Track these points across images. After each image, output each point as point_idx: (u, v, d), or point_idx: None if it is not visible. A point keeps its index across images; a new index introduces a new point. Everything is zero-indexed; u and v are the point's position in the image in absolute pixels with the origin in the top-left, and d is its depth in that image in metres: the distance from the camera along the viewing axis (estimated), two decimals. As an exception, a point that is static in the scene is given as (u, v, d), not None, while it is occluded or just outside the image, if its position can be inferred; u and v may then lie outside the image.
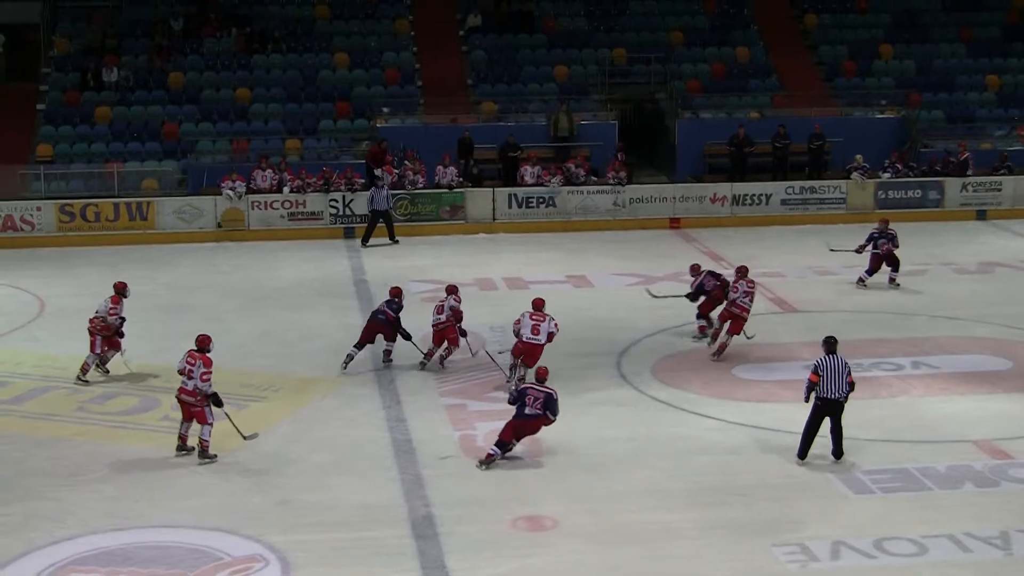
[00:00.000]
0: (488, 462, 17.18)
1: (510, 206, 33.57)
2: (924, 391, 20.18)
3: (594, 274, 28.00)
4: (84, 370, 20.67)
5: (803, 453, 16.85)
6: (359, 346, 21.47)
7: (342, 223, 32.62)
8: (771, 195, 34.55)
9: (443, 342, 21.41)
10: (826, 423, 16.84)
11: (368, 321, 21.87)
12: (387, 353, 21.78)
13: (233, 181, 32.23)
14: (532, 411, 17.27)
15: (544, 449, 17.66)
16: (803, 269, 28.28)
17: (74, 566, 14.15)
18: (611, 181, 33.88)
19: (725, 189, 34.50)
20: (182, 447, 17.27)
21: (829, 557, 14.40)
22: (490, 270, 28.42)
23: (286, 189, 32.53)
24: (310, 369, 21.42)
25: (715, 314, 22.60)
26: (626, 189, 33.93)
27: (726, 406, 19.45)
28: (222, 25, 39.09)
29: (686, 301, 23.22)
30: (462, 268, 28.22)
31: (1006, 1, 42.49)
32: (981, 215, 34.90)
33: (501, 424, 17.66)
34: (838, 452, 16.86)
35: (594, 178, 34.31)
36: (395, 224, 32.10)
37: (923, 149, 36.69)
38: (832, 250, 27.74)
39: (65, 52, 37.76)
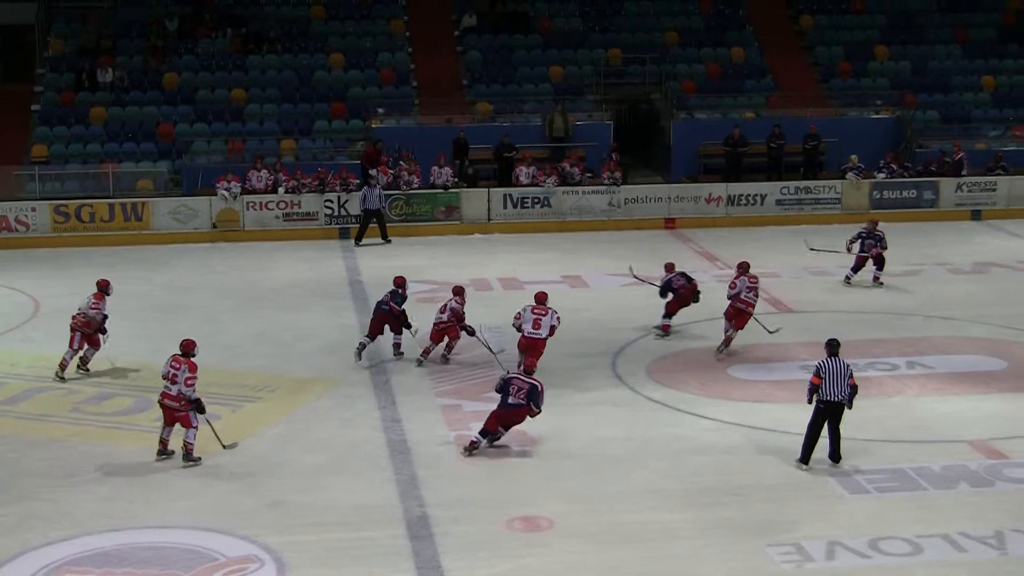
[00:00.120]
0: (471, 449, 17.49)
1: (505, 206, 33.57)
2: (919, 391, 20.20)
3: (589, 274, 28.00)
4: (63, 366, 20.80)
5: (806, 458, 16.76)
6: (371, 337, 21.82)
7: (337, 224, 32.60)
8: (766, 195, 34.57)
9: (442, 340, 21.55)
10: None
11: (374, 312, 22.09)
12: (396, 346, 22.07)
13: (228, 182, 32.21)
14: (515, 401, 17.49)
15: (540, 449, 17.68)
16: (798, 269, 28.28)
17: (69, 567, 14.13)
18: (606, 181, 33.89)
19: (720, 189, 34.50)
20: (163, 452, 17.12)
21: (824, 557, 14.41)
22: (485, 270, 28.43)
23: (281, 190, 32.52)
24: (305, 370, 21.41)
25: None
26: (621, 189, 33.93)
27: (722, 406, 19.46)
28: (217, 25, 39.08)
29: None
30: (457, 268, 28.22)
31: (1001, 2, 42.56)
32: (976, 215, 34.94)
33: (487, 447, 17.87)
34: (836, 456, 16.81)
35: (589, 174, 34.32)
36: (390, 224, 32.14)
37: (918, 149, 36.73)
38: (812, 249, 27.79)
39: (60, 53, 37.73)
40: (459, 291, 21.84)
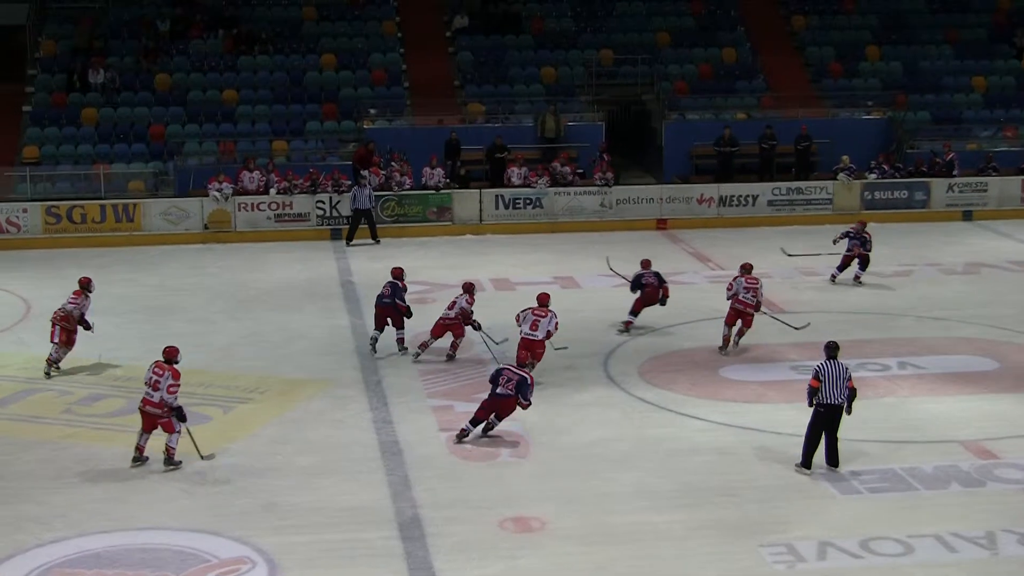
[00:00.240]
0: (462, 436, 17.93)
1: (497, 207, 33.58)
2: (911, 391, 20.23)
3: (581, 275, 28.01)
4: (49, 363, 21.04)
5: (807, 462, 16.68)
6: (379, 329, 22.15)
7: (329, 224, 32.60)
8: (758, 196, 34.61)
9: (443, 335, 21.72)
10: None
11: (375, 307, 22.38)
12: (399, 341, 22.28)
13: (220, 183, 32.19)
14: (503, 391, 17.77)
15: (531, 450, 17.70)
16: (790, 270, 28.29)
17: (61, 569, 14.12)
18: (598, 182, 33.91)
19: (712, 190, 34.54)
20: (138, 458, 16.91)
21: (816, 557, 14.43)
22: (477, 271, 28.37)
23: (273, 191, 32.51)
24: (297, 371, 21.41)
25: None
26: (613, 190, 33.96)
27: (714, 407, 19.48)
28: (209, 26, 39.04)
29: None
30: (449, 269, 28.22)
31: (992, 3, 42.62)
32: (967, 216, 35.00)
33: (480, 437, 18.17)
34: (834, 460, 16.74)
35: (580, 169, 34.37)
36: (383, 225, 32.16)
37: (909, 150, 36.77)
38: (789, 255, 27.82)
39: (51, 54, 37.67)
40: (469, 288, 22.01)
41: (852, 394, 16.61)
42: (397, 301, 22.14)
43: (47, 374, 21.04)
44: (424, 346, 21.70)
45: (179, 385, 16.83)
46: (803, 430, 17.79)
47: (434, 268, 28.41)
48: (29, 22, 38.42)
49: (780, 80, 39.35)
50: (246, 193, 32.49)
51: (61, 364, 21.23)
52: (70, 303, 21.42)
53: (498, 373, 18.05)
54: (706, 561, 14.36)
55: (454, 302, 21.80)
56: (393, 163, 33.63)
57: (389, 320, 22.22)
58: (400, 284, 22.34)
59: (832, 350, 16.86)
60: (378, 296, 22.45)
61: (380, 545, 14.74)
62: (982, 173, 35.61)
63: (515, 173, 33.93)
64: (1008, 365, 21.64)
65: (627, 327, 23.53)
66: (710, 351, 22.36)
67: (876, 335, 23.25)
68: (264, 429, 18.57)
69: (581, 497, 16.06)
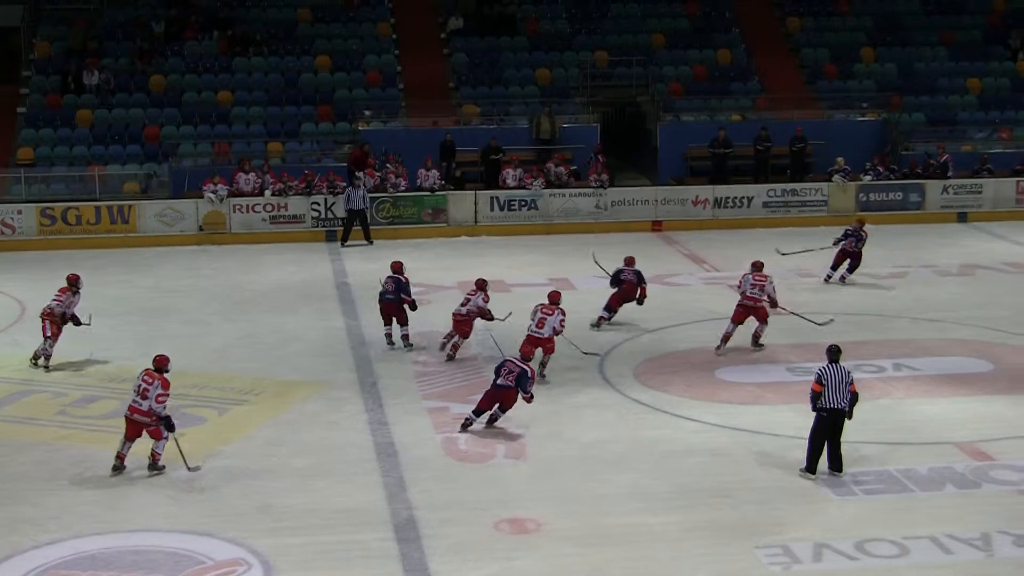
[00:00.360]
0: (466, 425, 18.29)
1: (492, 209, 33.59)
2: (906, 393, 20.24)
3: (576, 277, 28.01)
4: (40, 356, 21.33)
5: (812, 467, 16.59)
6: (388, 324, 22.53)
7: (324, 226, 32.60)
8: (753, 198, 34.63)
9: (469, 331, 21.98)
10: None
11: (380, 303, 22.64)
12: (405, 338, 22.51)
13: (215, 184, 32.18)
14: (504, 382, 18.08)
15: (527, 452, 17.69)
16: (785, 271, 28.24)
17: (56, 570, 14.10)
18: (593, 184, 33.91)
19: (707, 192, 34.56)
20: (119, 467, 16.68)
21: (811, 559, 14.43)
22: (472, 273, 28.15)
23: (268, 192, 32.49)
24: (292, 372, 21.39)
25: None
26: (608, 192, 33.97)
27: (709, 409, 19.48)
28: (203, 28, 39.04)
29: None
30: (444, 271, 28.22)
31: (987, 4, 42.67)
32: (962, 217, 35.04)
33: (483, 428, 18.36)
34: (837, 465, 16.64)
35: (574, 166, 34.41)
36: (377, 227, 32.17)
37: (904, 152, 36.81)
38: (783, 254, 27.85)
39: (46, 55, 37.64)
40: (483, 285, 22.18)
41: (854, 398, 16.53)
42: (403, 296, 22.41)
43: (35, 364, 21.36)
44: (451, 343, 22.01)
45: (168, 395, 16.65)
46: (799, 432, 17.83)
47: (429, 270, 28.39)
48: (24, 23, 38.41)
49: (775, 82, 39.37)
50: (241, 195, 32.48)
51: (51, 357, 21.44)
52: (55, 300, 21.67)
53: (501, 364, 18.38)
54: (701, 563, 14.36)
55: (468, 299, 21.96)
56: (388, 165, 33.65)
57: (394, 318, 22.47)
58: (403, 278, 22.55)
59: (834, 353, 16.78)
60: (380, 293, 22.65)
61: (375, 547, 14.73)
62: (977, 175, 35.66)
63: (510, 175, 33.94)
64: (1003, 367, 21.65)
65: (599, 323, 23.71)
66: (706, 352, 22.36)
67: (871, 336, 23.26)
68: (259, 431, 18.56)
69: (576, 498, 16.06)
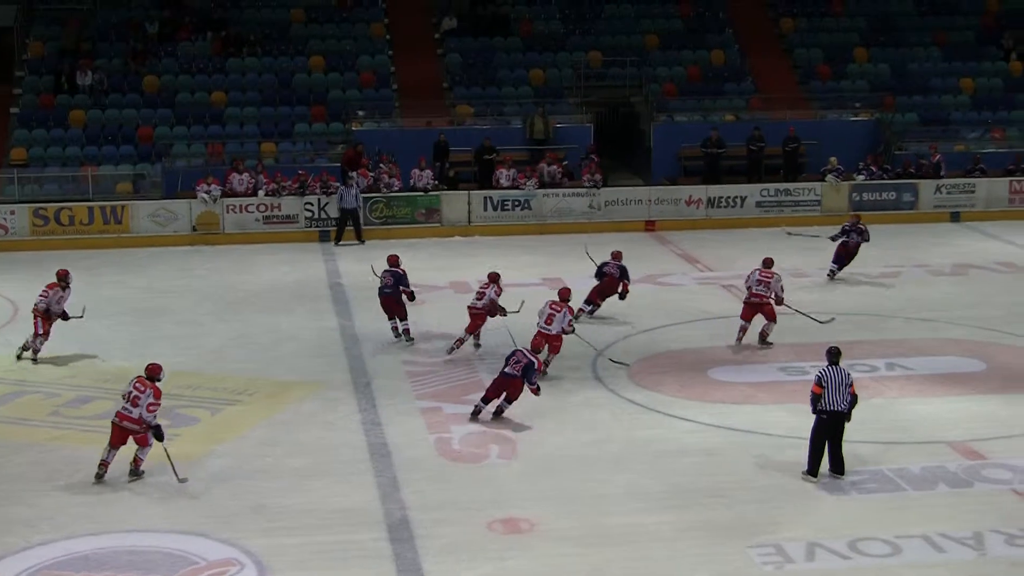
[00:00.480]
0: (475, 413, 18.69)
1: (485, 209, 33.60)
2: (899, 392, 20.26)
3: (570, 277, 27.95)
4: (27, 349, 21.62)
5: (814, 470, 16.53)
6: (390, 318, 22.87)
7: (317, 226, 32.59)
8: (746, 198, 34.66)
9: (480, 325, 22.12)
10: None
11: (380, 298, 22.93)
12: (406, 332, 22.81)
13: (208, 184, 32.17)
14: (511, 371, 18.47)
15: (520, 452, 17.70)
16: (779, 271, 28.30)
17: (50, 571, 14.09)
18: (586, 184, 33.93)
19: (700, 192, 34.59)
20: (103, 475, 16.43)
21: (804, 558, 14.44)
22: (465, 273, 28.42)
23: (261, 192, 32.49)
24: (286, 373, 21.38)
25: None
26: (601, 192, 34.00)
27: (702, 408, 19.49)
28: (197, 28, 39.02)
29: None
30: (437, 271, 28.23)
31: (980, 5, 42.72)
32: (955, 217, 35.09)
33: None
34: (839, 467, 16.58)
35: (566, 163, 34.52)
36: (371, 227, 32.19)
37: (897, 152, 36.86)
38: (789, 233, 27.92)
39: (39, 55, 37.62)
40: (495, 278, 22.41)
41: (854, 400, 16.48)
42: (402, 288, 22.73)
43: (19, 357, 21.68)
44: (476, 339, 22.23)
45: (159, 404, 16.51)
46: (792, 431, 17.90)
47: (422, 270, 28.35)
48: (17, 24, 38.36)
49: (768, 82, 39.40)
50: (234, 195, 32.47)
51: (38, 352, 21.76)
52: (40, 297, 21.89)
53: (511, 353, 18.78)
54: (695, 562, 14.37)
55: (483, 292, 22.15)
56: (381, 165, 33.64)
57: (393, 312, 22.86)
58: (400, 271, 22.85)
59: (834, 355, 16.69)
60: (380, 288, 22.93)
61: (369, 547, 14.73)
62: (969, 174, 35.70)
63: (503, 175, 33.96)
64: (995, 366, 21.68)
65: (578, 315, 23.56)
66: (699, 352, 22.40)
67: (865, 336, 23.28)
68: (252, 431, 18.55)
69: (570, 498, 16.07)
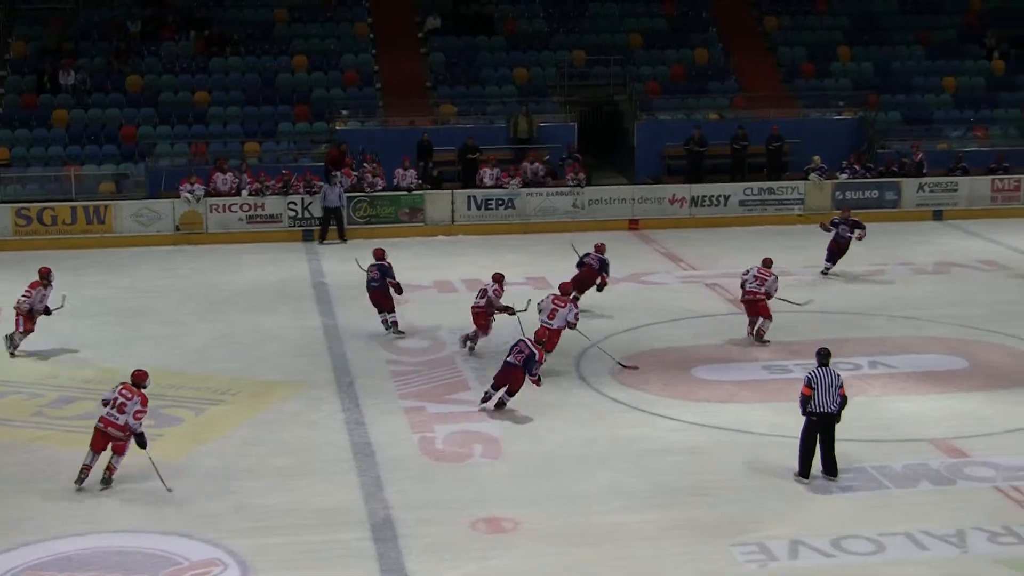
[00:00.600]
0: (485, 399, 19.15)
1: (469, 208, 33.58)
2: (882, 391, 20.31)
3: (554, 276, 27.93)
4: (8, 341, 21.82)
5: (805, 472, 16.50)
6: (380, 312, 23.20)
7: (301, 226, 32.55)
8: (729, 196, 34.69)
9: (487, 324, 22.19)
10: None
11: (368, 293, 23.28)
12: (395, 324, 23.13)
13: (192, 184, 32.10)
14: (512, 360, 18.80)
15: (504, 451, 17.70)
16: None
17: (33, 572, 14.07)
18: (570, 183, 33.93)
19: (684, 191, 34.60)
20: (84, 479, 16.25)
21: (787, 556, 14.48)
22: (449, 272, 28.45)
23: (245, 192, 32.43)
24: (270, 372, 21.36)
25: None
26: (585, 191, 34.00)
27: (686, 407, 19.52)
28: (180, 28, 38.93)
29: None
30: (421, 270, 28.20)
31: (963, 4, 42.82)
32: (938, 215, 35.17)
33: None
34: (831, 469, 16.55)
35: (547, 159, 34.60)
36: (355, 226, 32.18)
37: (880, 150, 36.93)
38: (800, 215, 28.06)
39: (21, 55, 37.50)
40: (499, 279, 22.40)
41: (843, 402, 16.45)
42: (388, 280, 22.99)
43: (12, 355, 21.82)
44: (472, 339, 22.18)
45: (146, 411, 16.41)
46: (775, 429, 17.98)
47: (406, 269, 28.24)
48: (-1, 23, 38.30)
49: (752, 81, 39.45)
50: (218, 195, 32.41)
51: (18, 346, 21.96)
52: (24, 296, 21.99)
53: (515, 343, 19.10)
54: (679, 561, 14.39)
55: (484, 291, 22.21)
56: (365, 164, 33.61)
57: (382, 305, 23.13)
58: (386, 263, 23.19)
59: (824, 357, 16.66)
60: (367, 282, 23.19)
61: (352, 546, 14.73)
62: (952, 173, 35.79)
63: (487, 174, 33.95)
64: (978, 364, 21.75)
65: None
66: (682, 351, 22.43)
67: (847, 334, 23.30)
68: (236, 431, 18.53)
69: (553, 497, 16.07)
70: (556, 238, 31.74)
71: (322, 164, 33.61)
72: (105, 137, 35.21)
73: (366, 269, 23.48)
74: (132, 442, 16.35)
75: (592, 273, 24.29)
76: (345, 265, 27.90)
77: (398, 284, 23.29)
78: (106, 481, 16.30)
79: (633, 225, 33.67)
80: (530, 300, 22.08)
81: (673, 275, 28.64)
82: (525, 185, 33.85)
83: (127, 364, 19.59)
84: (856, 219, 28.17)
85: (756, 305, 22.70)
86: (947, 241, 32.52)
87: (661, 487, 16.42)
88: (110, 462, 16.30)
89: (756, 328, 22.80)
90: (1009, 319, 24.36)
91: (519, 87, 38.18)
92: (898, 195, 35.27)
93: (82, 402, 19.62)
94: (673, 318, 24.62)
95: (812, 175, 35.00)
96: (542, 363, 19.25)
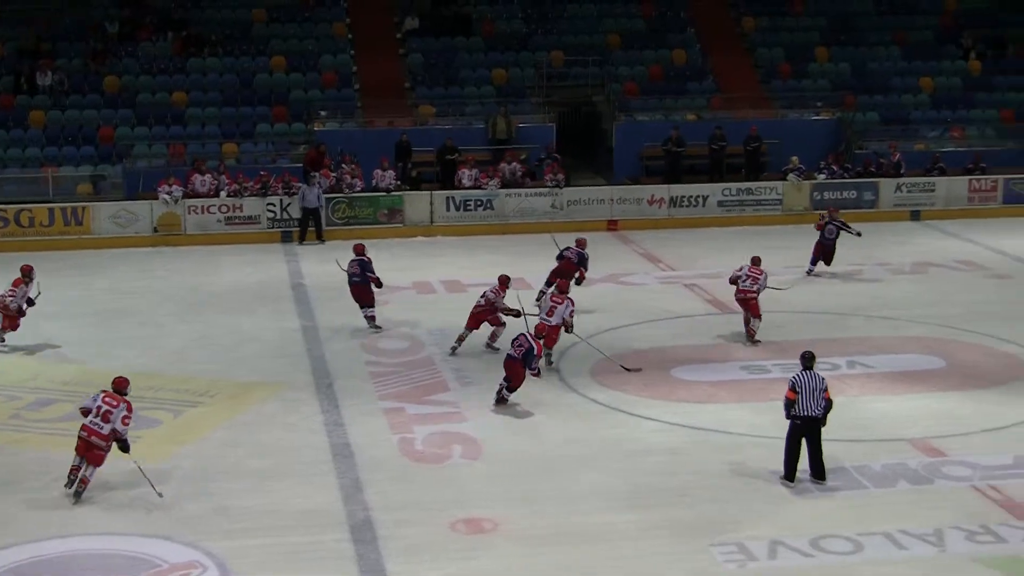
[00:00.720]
0: (500, 394, 19.39)
1: (448, 209, 33.57)
2: (860, 390, 20.36)
3: (533, 277, 27.96)
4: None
5: (790, 475, 16.48)
6: (361, 307, 23.52)
7: (279, 227, 32.48)
8: (708, 197, 34.73)
9: (478, 326, 22.18)
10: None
11: (350, 288, 23.52)
12: (371, 319, 23.40)
13: (169, 185, 32.01)
14: (513, 352, 19.08)
15: (483, 452, 17.71)
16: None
17: (12, 575, 14.02)
18: (549, 183, 33.95)
19: (662, 191, 34.64)
20: (75, 481, 15.99)
21: (767, 556, 14.51)
22: (428, 273, 28.44)
23: (223, 193, 32.36)
24: (248, 374, 21.32)
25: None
26: (564, 192, 34.01)
27: (666, 407, 19.55)
28: (158, 28, 38.81)
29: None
30: (400, 271, 28.14)
31: (939, 4, 42.97)
32: (915, 216, 35.28)
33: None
34: (818, 473, 16.54)
35: (524, 159, 34.70)
36: (333, 227, 32.12)
37: (858, 151, 37.02)
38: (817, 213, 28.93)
39: (-2, 55, 37.42)
40: (504, 281, 22.47)
41: (828, 405, 16.44)
42: (368, 274, 23.23)
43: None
44: (461, 339, 22.19)
45: (132, 416, 16.29)
46: (753, 430, 18.05)
47: (385, 270, 28.16)
48: (-26, 24, 38.12)
49: (730, 81, 39.50)
50: (196, 196, 32.33)
51: (5, 340, 22.21)
52: (8, 294, 22.14)
53: (516, 337, 19.46)
54: (658, 561, 14.42)
55: (484, 293, 22.34)
56: (344, 165, 33.57)
57: (363, 300, 23.41)
58: (366, 258, 23.49)
59: (808, 360, 16.65)
60: (348, 277, 23.47)
61: (332, 548, 14.72)
62: (929, 173, 35.91)
63: (466, 175, 33.94)
64: (955, 363, 21.84)
65: (539, 295, 24.36)
66: (662, 351, 22.46)
67: (826, 335, 23.37)
68: (215, 432, 18.50)
69: (533, 498, 16.09)
70: (535, 239, 31.76)
71: (300, 165, 33.54)
72: (83, 138, 35.09)
73: (346, 267, 23.62)
74: (110, 453, 16.18)
75: (570, 267, 24.54)
76: (324, 266, 27.88)
77: (378, 279, 23.55)
78: (78, 493, 16.02)
79: (612, 226, 33.70)
80: (536, 300, 22.06)
81: (652, 276, 28.68)
82: (504, 186, 33.86)
83: (105, 366, 19.58)
84: (841, 220, 28.41)
85: (748, 304, 22.92)
86: (924, 241, 32.64)
87: (641, 488, 16.44)
88: (83, 474, 16.01)
89: (747, 327, 22.89)
90: (986, 319, 24.46)
91: (497, 88, 38.17)
92: (876, 195, 35.37)
93: (60, 404, 19.57)
94: (652, 319, 24.65)
95: (790, 176, 35.08)
96: (540, 357, 19.51)
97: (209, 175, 32.58)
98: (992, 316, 24.76)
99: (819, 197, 34.93)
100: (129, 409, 16.23)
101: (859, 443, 17.84)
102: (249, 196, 32.43)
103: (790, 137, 36.54)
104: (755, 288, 22.89)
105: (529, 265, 28.84)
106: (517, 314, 21.72)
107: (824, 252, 28.18)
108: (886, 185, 35.39)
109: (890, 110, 39.08)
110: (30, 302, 22.38)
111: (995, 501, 16.06)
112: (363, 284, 23.45)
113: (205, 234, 32.10)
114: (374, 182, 33.35)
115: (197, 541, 14.80)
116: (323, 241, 31.70)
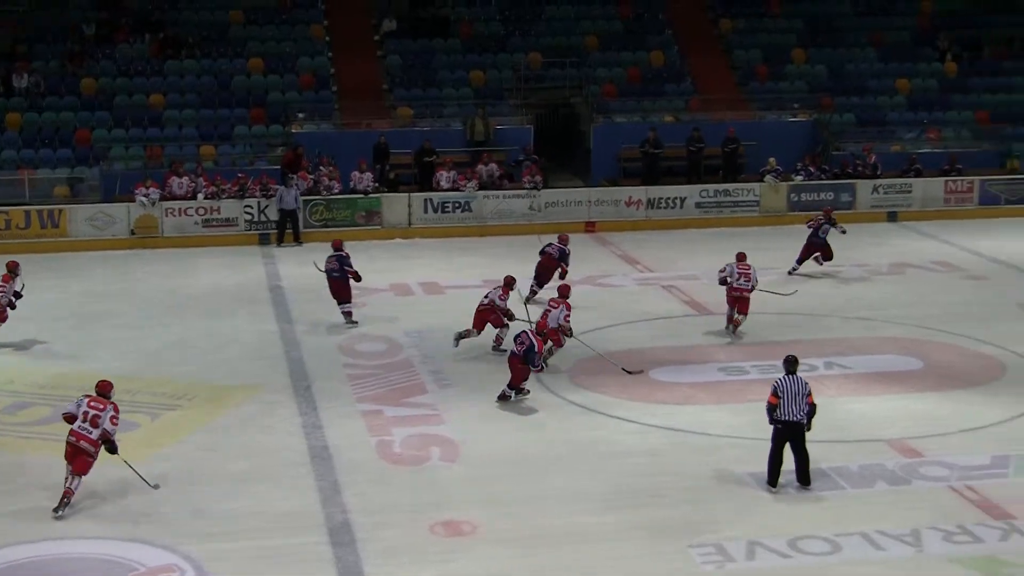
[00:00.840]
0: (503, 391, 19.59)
1: (426, 211, 33.54)
2: (837, 391, 20.40)
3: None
4: None
5: (773, 480, 16.43)
6: (339, 303, 23.85)
7: (257, 229, 32.41)
8: (686, 198, 34.77)
9: (483, 325, 22.19)
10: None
11: (328, 283, 23.79)
12: (348, 315, 23.66)
13: (147, 188, 31.91)
14: (515, 350, 19.41)
15: (461, 454, 17.70)
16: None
17: (-14, 579, 14.00)
18: (527, 185, 33.96)
19: (640, 193, 34.67)
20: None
21: (745, 557, 14.54)
22: (406, 275, 28.41)
23: (200, 196, 32.28)
24: (226, 376, 21.27)
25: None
26: (541, 193, 34.02)
27: (644, 409, 19.56)
28: (135, 30, 38.68)
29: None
30: (378, 274, 28.08)
31: (915, 6, 43.12)
32: (892, 217, 35.39)
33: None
34: (804, 478, 16.49)
35: (502, 161, 34.79)
36: (311, 229, 32.06)
37: (835, 152, 37.12)
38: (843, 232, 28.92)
39: (-26, 58, 37.26)
40: (509, 282, 22.52)
41: (812, 410, 16.40)
42: (346, 268, 23.50)
43: None
44: (466, 335, 22.20)
45: (119, 417, 16.12)
46: (732, 431, 18.08)
47: (363, 272, 28.19)
48: (-50, 27, 37.96)
49: (707, 83, 39.57)
50: (173, 198, 32.24)
51: None
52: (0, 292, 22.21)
53: (518, 334, 19.67)
54: (637, 562, 14.43)
55: (488, 294, 22.38)
56: (321, 167, 33.53)
57: (341, 295, 23.71)
58: (344, 253, 23.76)
59: (791, 365, 16.61)
60: (327, 272, 23.74)
61: (310, 551, 14.70)
62: (905, 175, 36.03)
63: (444, 177, 33.93)
64: (932, 364, 21.91)
65: (529, 295, 24.56)
66: (640, 353, 22.45)
67: (803, 336, 23.44)
68: (192, 435, 18.45)
69: (512, 500, 16.09)
70: (513, 240, 31.81)
71: (278, 167, 33.48)
72: (59, 140, 34.96)
73: (323, 266, 23.91)
74: (96, 459, 16.07)
75: (551, 262, 24.72)
76: (301, 268, 27.84)
77: (356, 272, 23.82)
78: (62, 507, 15.63)
79: (589, 227, 33.71)
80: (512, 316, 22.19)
81: (630, 277, 28.71)
82: (482, 188, 33.85)
83: (83, 369, 19.50)
84: (834, 220, 28.66)
85: (740, 301, 23.18)
86: (901, 242, 32.74)
87: (619, 489, 16.45)
88: (69, 486, 15.71)
89: (733, 320, 23.26)
90: (962, 320, 24.55)
91: (475, 89, 38.16)
92: (853, 196, 35.46)
93: (36, 407, 19.51)
94: (630, 320, 24.67)
95: (768, 177, 35.14)
96: (541, 354, 19.68)
97: (186, 177, 32.50)
98: (969, 317, 24.84)
99: (796, 199, 35.02)
100: (116, 411, 16.15)
101: (837, 444, 17.85)
102: (227, 198, 32.36)
103: (767, 139, 36.62)
104: (749, 285, 23.13)
105: (507, 267, 28.66)
106: (509, 318, 21.79)
107: (821, 250, 28.39)
108: (863, 186, 35.50)
109: (866, 111, 39.20)
110: (17, 295, 22.49)
111: (972, 501, 16.12)
112: (341, 279, 23.67)
113: (182, 236, 32.01)
114: (352, 184, 33.32)
115: (175, 544, 14.75)
116: (301, 243, 31.66)
